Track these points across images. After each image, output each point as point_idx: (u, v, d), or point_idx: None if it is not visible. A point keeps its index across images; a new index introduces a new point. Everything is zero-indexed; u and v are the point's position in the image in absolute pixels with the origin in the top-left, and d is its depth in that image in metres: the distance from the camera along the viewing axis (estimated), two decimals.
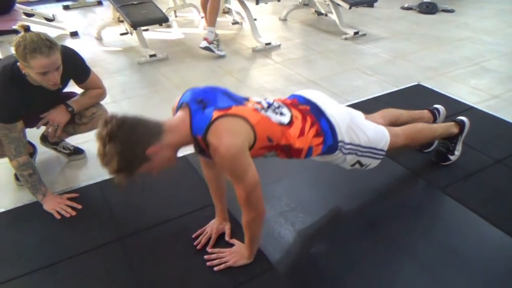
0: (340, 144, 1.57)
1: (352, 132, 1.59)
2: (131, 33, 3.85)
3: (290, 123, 1.46)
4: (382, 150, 1.69)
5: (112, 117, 1.21)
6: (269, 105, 1.47)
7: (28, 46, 1.54)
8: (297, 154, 1.52)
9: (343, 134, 1.56)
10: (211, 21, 3.59)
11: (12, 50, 1.63)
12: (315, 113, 1.56)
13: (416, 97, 2.78)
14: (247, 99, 1.45)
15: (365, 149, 1.64)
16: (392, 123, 1.92)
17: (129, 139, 1.21)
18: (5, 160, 1.86)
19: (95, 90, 2.01)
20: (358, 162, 1.67)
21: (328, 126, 1.55)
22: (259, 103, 1.46)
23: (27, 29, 1.63)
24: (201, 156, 1.46)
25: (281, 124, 1.43)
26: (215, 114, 1.28)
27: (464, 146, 2.09)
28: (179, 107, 1.38)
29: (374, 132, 1.67)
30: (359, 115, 1.73)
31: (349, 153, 1.61)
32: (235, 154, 1.25)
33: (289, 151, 1.49)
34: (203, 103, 1.32)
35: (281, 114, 1.47)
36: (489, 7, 4.95)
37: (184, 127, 1.31)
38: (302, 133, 1.48)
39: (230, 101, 1.36)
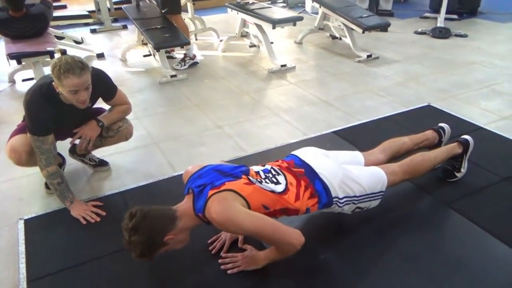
0: (335, 199, 1.67)
1: (345, 186, 1.69)
2: (154, 55, 4.07)
3: (285, 190, 1.59)
4: (380, 192, 1.78)
5: (136, 209, 1.43)
6: (266, 175, 1.63)
7: (62, 67, 1.71)
8: (294, 213, 1.63)
9: (336, 191, 1.67)
10: None
11: (44, 70, 1.80)
12: (309, 175, 1.68)
13: (426, 117, 2.85)
14: (247, 172, 1.61)
15: (361, 197, 1.73)
16: (394, 154, 2.01)
17: (150, 231, 1.42)
18: (36, 170, 2.01)
19: (122, 106, 2.17)
20: (357, 207, 1.76)
21: (322, 186, 1.66)
22: (257, 174, 1.62)
23: (63, 52, 1.81)
24: None
25: (276, 192, 1.57)
26: (210, 192, 1.47)
27: (471, 164, 2.16)
28: (187, 192, 1.60)
29: (369, 180, 1.75)
30: (355, 160, 1.86)
31: (345, 205, 1.70)
32: (226, 214, 1.42)
33: (286, 212, 1.61)
34: (203, 186, 1.52)
35: (277, 183, 1.61)
36: (502, 32, 5.03)
37: (190, 211, 1.52)
38: (297, 197, 1.61)
39: (225, 178, 1.54)
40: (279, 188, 1.59)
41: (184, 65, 4.06)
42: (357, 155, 1.94)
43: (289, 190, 1.60)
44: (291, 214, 1.62)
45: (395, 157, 2.01)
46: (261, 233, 1.47)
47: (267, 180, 1.61)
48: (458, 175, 2.11)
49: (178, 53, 4.31)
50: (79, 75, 1.73)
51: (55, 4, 5.51)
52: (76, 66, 1.73)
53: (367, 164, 1.90)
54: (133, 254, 1.44)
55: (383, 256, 1.70)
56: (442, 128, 2.22)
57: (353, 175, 1.73)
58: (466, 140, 2.11)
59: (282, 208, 1.58)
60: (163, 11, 4.09)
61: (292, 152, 1.85)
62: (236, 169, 1.63)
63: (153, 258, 1.49)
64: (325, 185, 1.66)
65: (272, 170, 1.67)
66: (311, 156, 1.78)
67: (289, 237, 1.47)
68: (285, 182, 1.62)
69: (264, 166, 1.72)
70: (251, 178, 1.58)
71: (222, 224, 1.44)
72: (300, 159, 1.76)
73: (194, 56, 4.14)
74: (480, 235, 1.79)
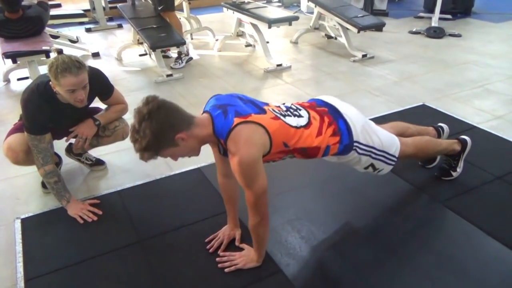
0: (355, 144, 1.66)
1: (366, 133, 1.69)
2: (150, 54, 4.06)
3: (308, 124, 1.56)
4: (394, 156, 1.78)
5: (153, 97, 1.33)
6: (288, 109, 1.58)
7: (59, 66, 1.71)
8: (314, 153, 1.60)
9: (358, 134, 1.66)
10: None
11: (40, 69, 1.80)
12: (332, 114, 1.66)
13: (421, 116, 2.88)
14: (267, 104, 1.56)
15: (379, 152, 1.72)
16: (401, 134, 2.01)
17: (165, 120, 1.31)
18: (33, 169, 2.02)
19: (119, 105, 2.18)
20: (372, 165, 1.76)
21: (345, 126, 1.64)
22: (278, 107, 1.57)
23: (60, 52, 1.81)
24: (225, 156, 1.55)
25: (298, 127, 1.53)
26: (236, 120, 1.37)
27: (466, 163, 2.18)
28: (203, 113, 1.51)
29: (385, 137, 1.77)
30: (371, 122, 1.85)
31: (363, 154, 1.70)
32: (249, 163, 1.36)
33: (306, 152, 1.58)
34: (224, 108, 1.43)
35: (299, 116, 1.57)
36: (496, 32, 5.08)
37: (209, 127, 1.42)
38: (320, 132, 1.57)
39: (250, 108, 1.46)
40: (302, 121, 1.55)
41: (182, 62, 4.07)
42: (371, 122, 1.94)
43: (311, 124, 1.56)
44: (310, 155, 1.60)
45: (402, 136, 2.03)
46: (256, 196, 1.42)
47: (289, 112, 1.55)
48: (454, 174, 2.14)
49: (174, 52, 4.31)
50: (76, 74, 1.74)
51: (50, 2, 5.48)
52: (73, 65, 1.73)
53: None
54: (137, 146, 1.33)
55: (377, 254, 1.72)
56: (441, 127, 2.27)
57: (373, 126, 1.75)
58: (465, 140, 2.14)
59: (302, 147, 1.54)
60: (159, 8, 4.09)
61: (312, 98, 1.81)
62: (257, 101, 1.55)
63: (156, 156, 1.39)
64: (348, 126, 1.64)
65: (293, 106, 1.62)
66: (334, 99, 1.75)
67: (265, 210, 1.49)
68: (307, 115, 1.58)
69: (284, 103, 1.66)
70: (275, 111, 1.52)
71: (238, 166, 1.35)
72: (322, 101, 1.74)
73: (188, 51, 4.17)
74: (474, 233, 1.81)
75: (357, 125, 1.66)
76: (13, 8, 3.37)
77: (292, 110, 1.59)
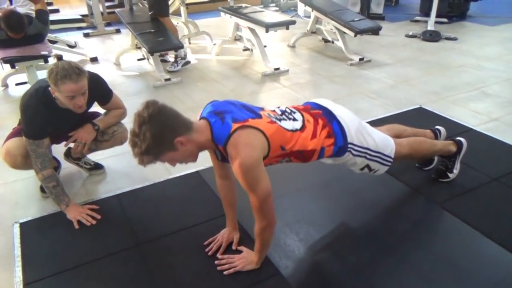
0: (350, 145, 1.67)
1: (360, 135, 1.70)
2: (148, 59, 4.08)
3: (303, 127, 1.58)
4: (389, 157, 1.80)
5: (153, 101, 1.34)
6: (283, 113, 1.60)
7: (59, 73, 1.72)
8: (310, 155, 1.62)
9: (352, 136, 1.67)
10: None
11: (38, 74, 1.80)
12: (326, 116, 1.67)
13: (418, 119, 2.89)
14: (262, 109, 1.58)
15: (374, 153, 1.74)
16: (397, 136, 2.02)
17: (165, 124, 1.33)
18: (32, 173, 2.02)
19: (118, 110, 2.19)
20: (367, 166, 1.77)
21: (339, 128, 1.66)
22: (273, 111, 1.59)
23: (59, 58, 1.82)
24: (223, 162, 1.58)
25: (294, 130, 1.55)
26: (234, 126, 1.39)
27: (463, 165, 2.20)
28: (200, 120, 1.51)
29: (380, 138, 1.79)
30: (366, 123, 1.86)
31: (358, 156, 1.71)
32: (250, 166, 1.37)
33: (302, 155, 1.60)
34: (221, 115, 1.44)
35: (294, 119, 1.59)
36: (491, 35, 5.12)
37: (207, 133, 1.43)
38: (314, 135, 1.59)
39: (246, 113, 1.48)
40: (297, 124, 1.57)
41: (177, 65, 4.09)
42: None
43: (306, 127, 1.58)
44: (307, 158, 1.62)
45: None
46: (260, 199, 1.43)
47: (284, 116, 1.57)
48: (451, 176, 2.15)
49: (171, 57, 4.33)
50: (76, 81, 1.75)
51: (48, 7, 5.50)
52: (73, 72, 1.74)
53: None
54: (136, 150, 1.34)
55: (375, 256, 1.74)
56: (438, 130, 2.28)
57: (368, 128, 1.76)
58: (460, 141, 2.15)
59: (298, 150, 1.56)
60: (150, 13, 4.12)
61: (307, 101, 1.83)
62: (252, 107, 1.57)
63: (155, 160, 1.40)
64: (342, 127, 1.66)
65: (287, 109, 1.64)
66: (328, 102, 1.77)
67: (271, 212, 1.50)
68: (301, 118, 1.60)
69: (278, 107, 1.67)
70: (271, 115, 1.54)
71: (240, 170, 1.36)
72: (317, 104, 1.75)
73: (185, 55, 4.17)
74: (471, 234, 1.83)
75: (351, 127, 1.68)
76: (18, 33, 3.33)
77: (287, 114, 1.60)
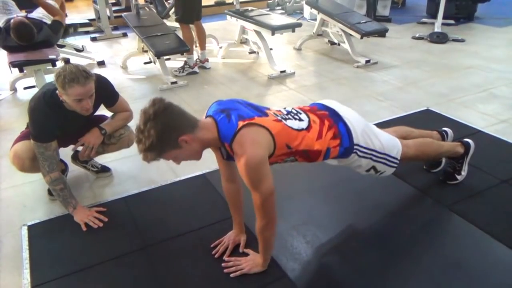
0: (356, 147, 1.67)
1: (366, 136, 1.70)
2: (155, 62, 4.10)
3: (308, 127, 1.57)
4: (396, 158, 1.78)
5: (160, 99, 1.35)
6: (288, 113, 1.60)
7: (67, 76, 1.73)
8: (315, 156, 1.61)
9: (358, 137, 1.67)
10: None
11: (46, 78, 1.82)
12: (333, 117, 1.67)
13: (425, 121, 2.87)
14: (268, 108, 1.58)
15: (380, 155, 1.73)
16: (404, 138, 2.01)
17: (170, 122, 1.33)
18: (39, 176, 2.03)
19: (124, 113, 2.20)
20: (373, 167, 1.76)
21: (345, 129, 1.65)
22: (279, 111, 1.59)
23: (67, 61, 1.83)
24: (229, 161, 1.58)
25: (299, 129, 1.55)
26: (240, 123, 1.39)
27: (471, 167, 2.17)
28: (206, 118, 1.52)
29: (386, 139, 1.78)
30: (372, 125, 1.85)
31: (364, 157, 1.71)
32: (256, 164, 1.37)
33: (307, 155, 1.59)
34: (227, 112, 1.45)
35: (300, 119, 1.59)
36: (499, 37, 5.08)
37: (213, 130, 1.44)
38: (320, 135, 1.59)
39: (252, 111, 1.48)
40: (303, 124, 1.57)
41: (182, 72, 4.09)
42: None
43: (311, 127, 1.58)
44: (312, 158, 1.61)
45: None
46: (262, 197, 1.42)
47: (290, 116, 1.58)
48: (459, 177, 2.13)
49: (179, 61, 4.33)
50: (83, 84, 1.76)
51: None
52: (81, 75, 1.75)
53: None
54: (140, 146, 1.34)
55: (383, 258, 1.72)
56: (445, 131, 2.26)
57: (374, 129, 1.75)
58: (468, 143, 2.13)
59: (304, 149, 1.55)
60: (175, 17, 4.10)
61: (313, 102, 1.83)
62: (258, 106, 1.58)
63: (159, 158, 1.40)
64: (348, 129, 1.65)
65: (293, 110, 1.64)
66: (334, 103, 1.76)
67: (273, 213, 1.49)
68: (307, 119, 1.60)
69: (284, 108, 1.69)
70: (277, 114, 1.55)
71: (245, 167, 1.36)
72: (323, 105, 1.75)
73: (194, 65, 4.16)
74: (480, 236, 1.81)
75: (357, 128, 1.67)
76: (29, 42, 3.36)
77: (292, 114, 1.60)
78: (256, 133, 1.41)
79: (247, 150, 1.36)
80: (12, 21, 3.34)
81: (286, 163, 1.63)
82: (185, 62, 4.12)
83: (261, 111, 1.52)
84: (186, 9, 4.03)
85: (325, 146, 1.60)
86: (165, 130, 1.33)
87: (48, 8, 3.75)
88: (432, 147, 2.02)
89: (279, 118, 1.53)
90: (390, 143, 1.78)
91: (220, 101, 1.55)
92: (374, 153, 1.72)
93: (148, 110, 1.33)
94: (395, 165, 1.80)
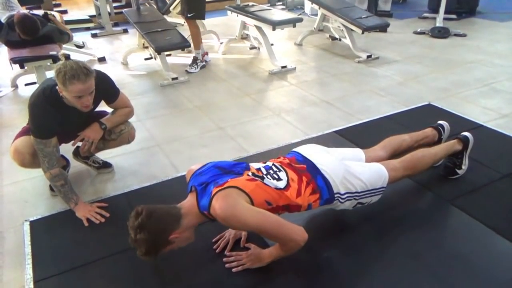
0: (336, 195, 1.69)
1: (347, 182, 1.71)
2: (155, 58, 4.09)
3: (287, 186, 1.61)
4: (382, 187, 1.80)
5: (142, 208, 1.44)
6: (268, 169, 1.66)
7: (68, 73, 1.72)
8: (296, 209, 1.65)
9: (338, 187, 1.69)
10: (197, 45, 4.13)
11: (47, 74, 1.81)
12: (311, 171, 1.70)
13: (427, 116, 2.87)
14: (248, 168, 1.64)
15: (363, 193, 1.75)
16: (395, 151, 2.02)
17: (156, 229, 1.42)
18: (41, 172, 2.03)
19: (125, 108, 2.19)
20: (359, 203, 1.78)
21: (324, 182, 1.68)
22: (258, 170, 1.64)
23: (67, 57, 1.83)
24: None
25: (278, 188, 1.59)
26: (214, 190, 1.48)
27: (472, 161, 2.17)
28: (189, 190, 1.61)
29: (370, 176, 1.77)
30: (356, 157, 1.87)
31: (347, 200, 1.72)
32: (231, 210, 1.43)
33: (288, 208, 1.62)
34: (206, 184, 1.55)
35: (278, 179, 1.63)
36: (501, 31, 5.05)
37: (194, 209, 1.53)
38: (299, 193, 1.62)
39: (227, 176, 1.56)
40: (281, 184, 1.60)
41: (197, 67, 4.10)
42: (358, 152, 1.96)
43: (290, 186, 1.61)
44: (293, 210, 1.64)
45: (395, 154, 2.02)
46: (265, 229, 1.48)
47: (268, 176, 1.63)
48: (460, 172, 2.13)
49: (182, 56, 4.33)
50: (84, 81, 1.75)
51: (55, 9, 5.56)
52: (81, 72, 1.74)
53: (367, 160, 1.91)
54: (138, 252, 1.45)
55: (385, 253, 1.72)
56: (441, 125, 2.24)
57: (354, 171, 1.75)
58: (466, 137, 2.12)
59: (284, 204, 1.59)
60: (188, 15, 4.01)
61: (294, 149, 1.87)
62: (237, 166, 1.65)
63: (158, 256, 1.50)
64: (327, 181, 1.67)
65: (273, 167, 1.69)
66: (313, 152, 1.80)
67: (293, 234, 1.48)
68: (286, 178, 1.64)
69: (265, 163, 1.74)
70: (254, 174, 1.60)
71: (227, 220, 1.45)
72: (302, 156, 1.78)
73: (203, 56, 4.20)
74: (482, 231, 1.80)
75: (336, 178, 1.69)
76: (32, 36, 3.37)
77: (272, 172, 1.66)
78: (228, 192, 1.48)
79: (219, 205, 1.44)
80: (15, 15, 3.34)
81: None
82: (195, 58, 4.11)
83: (237, 173, 1.60)
84: (201, 5, 4.07)
85: (305, 202, 1.64)
86: (155, 237, 1.42)
87: (60, 24, 3.79)
88: (424, 161, 1.96)
89: (255, 177, 1.58)
90: (374, 177, 1.77)
91: (201, 170, 1.64)
92: (356, 194, 1.73)
93: (133, 223, 1.41)
94: (381, 192, 1.81)
